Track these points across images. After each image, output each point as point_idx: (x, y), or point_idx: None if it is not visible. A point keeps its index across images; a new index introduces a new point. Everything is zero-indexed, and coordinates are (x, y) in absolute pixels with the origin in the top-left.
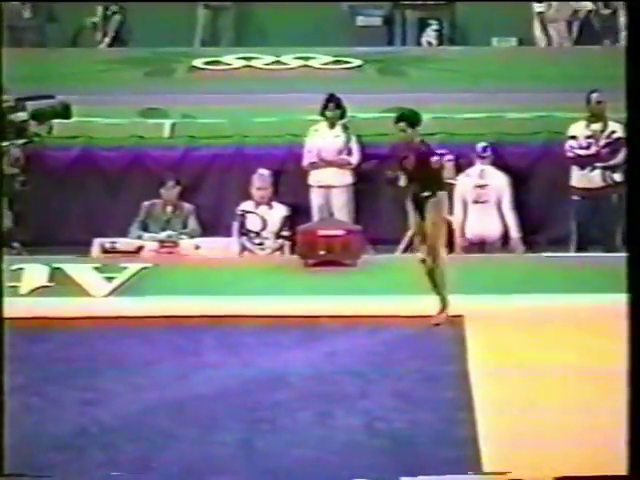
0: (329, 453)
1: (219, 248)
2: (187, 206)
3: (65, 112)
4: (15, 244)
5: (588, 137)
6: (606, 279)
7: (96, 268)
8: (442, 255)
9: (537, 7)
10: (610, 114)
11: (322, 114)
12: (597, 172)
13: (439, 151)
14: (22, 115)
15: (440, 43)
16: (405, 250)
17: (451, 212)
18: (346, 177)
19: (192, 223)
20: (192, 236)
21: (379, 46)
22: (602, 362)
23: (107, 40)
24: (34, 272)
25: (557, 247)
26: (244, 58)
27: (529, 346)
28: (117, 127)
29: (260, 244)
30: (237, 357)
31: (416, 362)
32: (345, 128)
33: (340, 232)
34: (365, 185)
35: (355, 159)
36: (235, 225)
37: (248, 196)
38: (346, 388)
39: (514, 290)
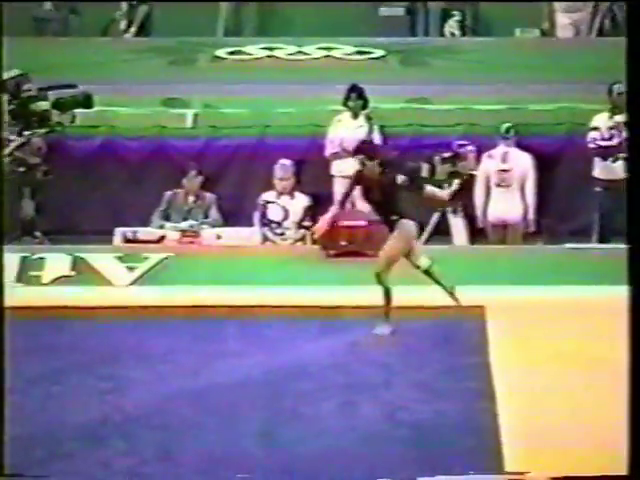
0: (351, 443)
1: (241, 238)
2: (209, 196)
3: (87, 101)
4: (37, 233)
5: (611, 128)
6: None
7: (118, 257)
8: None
9: None
10: None
11: (345, 104)
12: (619, 163)
13: (400, 177)
14: (44, 104)
15: (463, 34)
16: (427, 241)
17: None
18: None
19: (214, 213)
20: (214, 226)
21: (402, 36)
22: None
23: (133, 30)
24: (56, 261)
25: (579, 238)
26: (267, 48)
27: (550, 337)
28: (139, 116)
29: (282, 234)
30: (259, 347)
31: (438, 353)
32: (368, 118)
33: (362, 223)
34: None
35: None
36: (257, 215)
37: (270, 186)
38: (368, 378)
39: (536, 281)
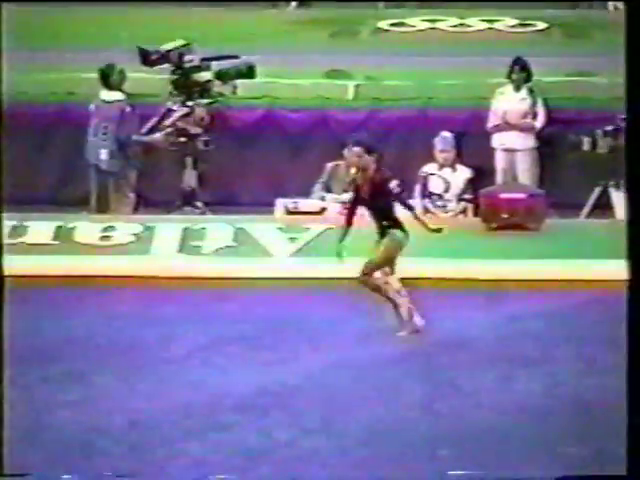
0: (509, 417)
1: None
2: None
3: (249, 72)
4: (198, 204)
5: None
6: None
7: (279, 229)
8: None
9: None
10: None
11: (508, 77)
12: None
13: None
14: (207, 75)
15: None
16: (589, 214)
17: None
18: (529, 140)
19: None
20: None
21: (565, 9)
22: None
23: (294, 2)
24: (218, 232)
25: None
26: (429, 20)
27: None
28: (301, 88)
29: (443, 206)
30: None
31: (601, 327)
32: (531, 91)
33: (523, 196)
34: (549, 149)
35: (540, 123)
36: (418, 187)
37: (431, 158)
38: (528, 352)
39: None
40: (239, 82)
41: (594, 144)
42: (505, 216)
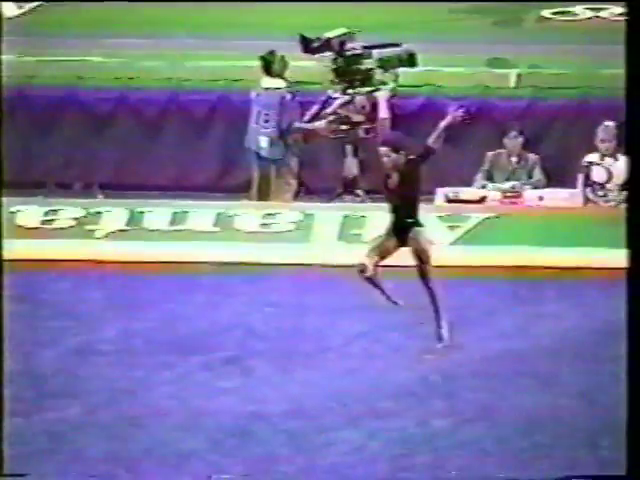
0: None
1: (562, 199)
2: (532, 156)
3: (411, 60)
4: (359, 191)
5: None
6: None
7: (439, 217)
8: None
9: None
10: None
11: None
12: None
13: None
14: (368, 62)
15: None
16: None
17: None
18: None
19: (537, 174)
20: (537, 187)
21: None
22: None
23: None
24: (378, 220)
25: None
26: (593, 9)
27: None
28: (463, 76)
29: (604, 196)
30: (578, 309)
31: None
32: None
33: None
34: None
35: None
36: (580, 177)
37: (593, 148)
38: None
39: None
40: (401, 70)
41: None
42: None
